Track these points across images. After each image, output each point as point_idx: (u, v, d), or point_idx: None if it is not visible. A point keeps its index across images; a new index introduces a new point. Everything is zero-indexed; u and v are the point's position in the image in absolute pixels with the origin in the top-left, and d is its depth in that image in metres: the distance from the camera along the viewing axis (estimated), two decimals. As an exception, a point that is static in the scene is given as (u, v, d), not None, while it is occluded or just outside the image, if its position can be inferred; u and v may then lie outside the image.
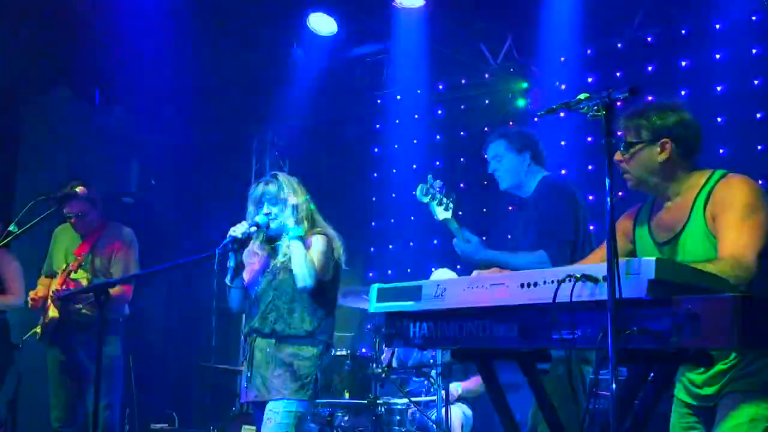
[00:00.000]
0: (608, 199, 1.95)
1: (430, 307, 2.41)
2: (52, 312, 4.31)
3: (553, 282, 2.01)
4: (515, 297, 2.15)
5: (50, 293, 4.36)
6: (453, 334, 2.41)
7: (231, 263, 3.45)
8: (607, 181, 1.97)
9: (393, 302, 2.58)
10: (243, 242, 3.43)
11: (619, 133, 2.54)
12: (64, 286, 4.29)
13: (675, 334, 1.80)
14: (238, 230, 3.42)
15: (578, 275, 1.96)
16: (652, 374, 2.08)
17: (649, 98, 2.72)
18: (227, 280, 3.51)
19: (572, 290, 1.95)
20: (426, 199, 3.52)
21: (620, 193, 3.12)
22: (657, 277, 1.83)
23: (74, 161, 6.03)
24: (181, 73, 6.19)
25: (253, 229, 3.45)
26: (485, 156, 3.67)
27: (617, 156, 2.54)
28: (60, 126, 6.19)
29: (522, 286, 2.13)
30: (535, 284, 2.09)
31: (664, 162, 2.49)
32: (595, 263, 2.05)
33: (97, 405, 3.38)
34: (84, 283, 4.32)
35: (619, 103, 2.02)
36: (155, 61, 5.95)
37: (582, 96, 2.13)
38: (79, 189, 4.29)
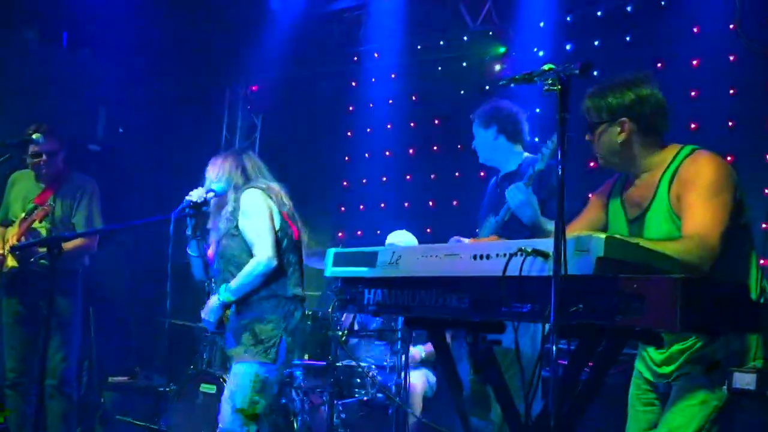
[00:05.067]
0: (559, 172, 1.93)
1: (385, 274, 2.40)
2: (11, 262, 4.21)
3: (504, 255, 2.01)
4: (468, 268, 2.15)
5: (8, 243, 4.26)
6: (406, 302, 2.40)
7: (188, 230, 3.37)
8: (559, 155, 1.94)
9: (349, 267, 2.56)
10: (198, 207, 3.34)
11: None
12: (24, 237, 4.16)
13: (620, 312, 1.80)
14: (194, 196, 3.34)
15: (529, 250, 1.95)
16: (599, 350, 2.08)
17: (625, 71, 2.67)
18: (187, 248, 3.44)
19: (522, 265, 1.94)
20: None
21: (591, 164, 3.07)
22: (606, 254, 1.82)
23: (39, 106, 5.87)
24: (153, 19, 6.01)
25: (210, 195, 3.37)
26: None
27: (587, 137, 2.52)
28: (25, 69, 6.00)
29: (475, 257, 2.13)
30: (488, 257, 2.09)
31: (623, 142, 2.46)
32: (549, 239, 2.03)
33: (44, 356, 3.33)
34: (43, 233, 4.23)
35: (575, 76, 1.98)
36: (126, 6, 5.77)
37: (547, 67, 2.08)
38: (39, 134, 4.16)
